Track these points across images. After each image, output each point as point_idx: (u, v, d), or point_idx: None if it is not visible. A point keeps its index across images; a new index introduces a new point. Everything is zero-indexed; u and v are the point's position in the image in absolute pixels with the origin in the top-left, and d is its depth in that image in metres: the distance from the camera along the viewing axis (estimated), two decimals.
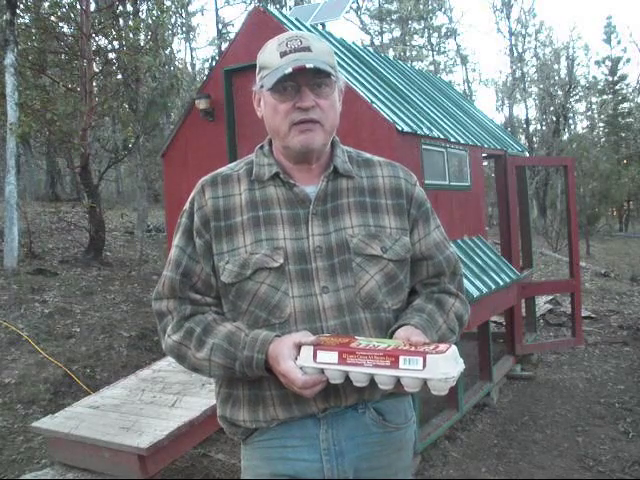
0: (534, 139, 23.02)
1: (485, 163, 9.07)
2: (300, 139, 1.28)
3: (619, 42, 33.13)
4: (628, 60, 31.88)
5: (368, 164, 1.43)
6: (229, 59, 4.91)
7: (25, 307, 6.10)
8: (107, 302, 6.73)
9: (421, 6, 24.77)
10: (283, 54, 1.26)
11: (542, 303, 7.94)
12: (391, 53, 23.20)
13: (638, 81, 35.66)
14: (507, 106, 24.36)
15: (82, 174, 8.72)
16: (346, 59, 4.87)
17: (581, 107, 29.43)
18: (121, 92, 9.39)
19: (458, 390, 4.26)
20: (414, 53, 26.18)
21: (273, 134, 1.35)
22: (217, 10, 23.21)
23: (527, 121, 24.34)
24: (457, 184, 4.93)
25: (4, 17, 7.62)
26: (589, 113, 30.19)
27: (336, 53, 4.63)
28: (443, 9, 26.29)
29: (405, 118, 4.33)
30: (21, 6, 8.54)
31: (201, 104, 4.91)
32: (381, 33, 27.45)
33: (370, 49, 6.57)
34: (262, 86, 1.30)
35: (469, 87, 26.90)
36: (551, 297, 8.20)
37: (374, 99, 4.23)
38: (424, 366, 1.10)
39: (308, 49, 1.26)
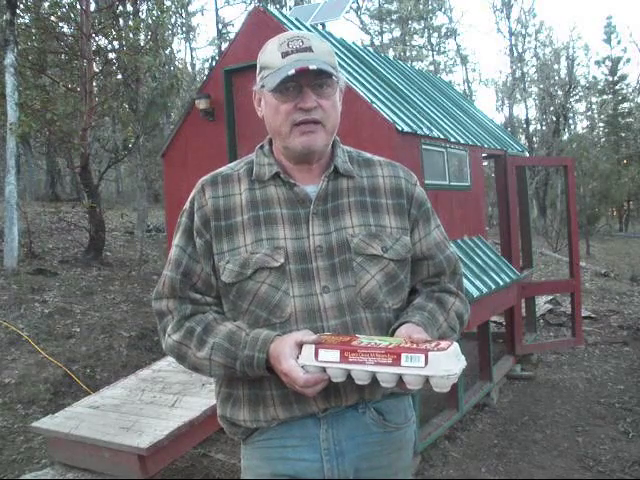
0: (534, 139, 23.02)
1: (485, 163, 9.07)
2: (302, 140, 1.28)
3: (619, 42, 33.12)
4: (628, 60, 31.91)
5: (368, 164, 1.43)
6: (229, 59, 4.91)
7: (25, 307, 6.10)
8: (107, 302, 6.73)
9: (421, 6, 24.77)
10: (285, 54, 1.25)
11: (542, 303, 7.94)
12: (391, 53, 23.21)
13: (638, 81, 35.68)
14: (507, 106, 24.37)
15: (82, 174, 8.72)
16: (346, 59, 4.87)
17: (581, 107, 29.49)
18: (121, 92, 9.38)
19: (458, 390, 4.26)
20: (414, 53, 26.18)
21: (274, 134, 1.35)
22: (217, 10, 23.23)
23: (527, 121, 24.35)
24: (457, 184, 4.93)
25: (4, 17, 7.62)
26: (589, 113, 30.23)
27: (336, 53, 4.62)
28: (443, 9, 26.30)
29: (405, 118, 4.33)
30: (21, 6, 8.54)
31: (201, 104, 4.91)
32: (381, 33, 27.47)
33: (370, 49, 6.57)
34: (263, 86, 1.30)
35: (469, 87, 26.90)
36: (551, 297, 8.20)
37: (374, 99, 4.23)
38: (426, 363, 1.10)
39: (310, 49, 1.26)
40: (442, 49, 28.24)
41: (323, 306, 1.28)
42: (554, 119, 20.71)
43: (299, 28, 4.82)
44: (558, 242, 14.24)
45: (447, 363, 1.11)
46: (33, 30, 8.92)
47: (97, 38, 9.45)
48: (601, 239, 18.48)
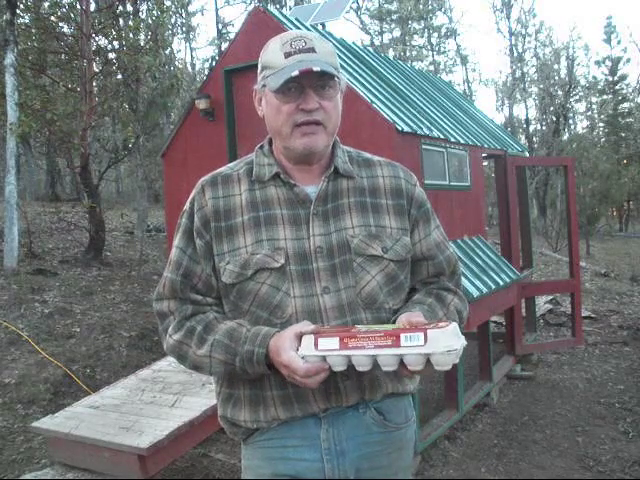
0: (534, 139, 23.02)
1: (485, 163, 9.07)
2: (303, 141, 1.28)
3: (619, 42, 33.08)
4: (628, 60, 31.89)
5: (368, 164, 1.43)
6: (229, 59, 4.91)
7: (25, 307, 6.10)
8: (107, 302, 6.73)
9: (421, 6, 24.77)
10: (287, 55, 1.25)
11: (542, 303, 7.94)
12: (391, 53, 23.21)
13: (638, 81, 35.66)
14: (507, 106, 24.37)
15: (82, 174, 8.72)
16: (346, 59, 4.87)
17: (581, 107, 29.48)
18: (121, 92, 9.38)
19: (458, 390, 4.26)
20: (414, 53, 26.18)
21: (274, 134, 1.35)
22: (217, 10, 23.23)
23: (527, 121, 24.34)
24: (457, 184, 4.93)
25: (4, 17, 7.62)
26: (589, 113, 30.22)
27: (336, 53, 4.62)
28: (443, 9, 26.31)
29: (405, 118, 4.33)
30: (21, 6, 8.54)
31: (201, 104, 4.91)
32: (381, 33, 27.47)
33: (370, 49, 6.57)
34: (264, 85, 1.30)
35: (469, 87, 26.90)
36: (551, 297, 8.20)
37: (374, 99, 4.23)
38: (425, 341, 1.10)
39: (312, 50, 1.26)
40: (442, 49, 28.26)
41: (324, 307, 1.28)
42: (554, 119, 20.70)
43: (299, 28, 4.82)
44: (558, 242, 14.24)
45: (447, 339, 1.10)
46: (33, 30, 8.92)
47: (97, 38, 9.46)
48: (601, 239, 18.48)
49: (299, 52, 1.25)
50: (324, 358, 1.15)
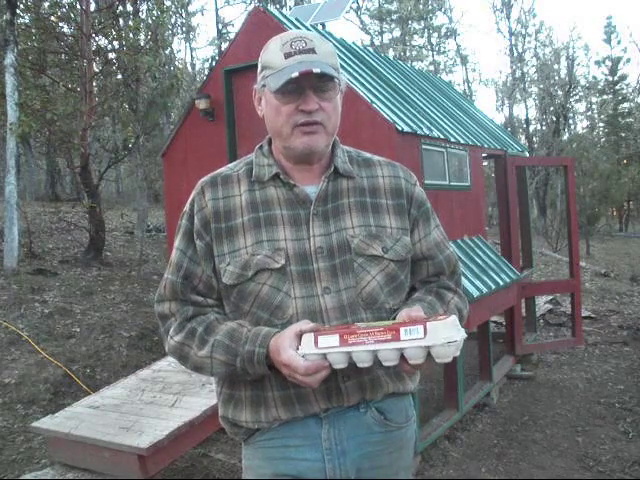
0: (534, 139, 23.02)
1: (485, 163, 9.07)
2: (303, 141, 1.28)
3: (619, 42, 33.07)
4: (628, 60, 31.87)
5: (368, 164, 1.43)
6: (229, 59, 4.91)
7: (25, 307, 6.10)
8: (107, 302, 6.73)
9: (421, 6, 24.77)
10: (288, 55, 1.25)
11: (542, 303, 7.94)
12: (391, 53, 23.20)
13: (638, 81, 35.68)
14: (507, 106, 24.37)
15: (82, 174, 8.72)
16: (346, 59, 4.87)
17: (581, 107, 29.48)
18: (121, 92, 9.38)
19: (458, 390, 4.26)
20: (414, 53, 26.18)
21: (274, 134, 1.35)
22: (217, 10, 23.22)
23: (527, 121, 24.34)
24: (457, 184, 4.93)
25: (4, 17, 7.62)
26: (589, 113, 30.23)
27: (336, 53, 4.62)
28: (443, 9, 26.30)
29: (405, 118, 4.33)
30: (21, 6, 8.54)
31: (201, 104, 4.91)
32: (381, 33, 27.46)
33: (370, 49, 6.57)
34: (264, 85, 1.30)
35: (469, 87, 26.89)
36: (551, 297, 8.21)
37: (374, 99, 4.23)
38: (425, 333, 1.10)
39: (313, 51, 1.25)
40: (442, 49, 28.25)
41: (324, 307, 1.28)
42: (554, 119, 20.71)
43: (299, 28, 4.82)
44: (558, 242, 14.24)
45: (447, 331, 1.10)
46: (33, 30, 8.92)
47: (97, 38, 9.46)
48: (601, 239, 18.46)
49: (299, 53, 1.25)
50: (325, 356, 1.15)
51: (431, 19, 26.35)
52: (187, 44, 26.19)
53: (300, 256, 1.29)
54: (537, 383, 5.38)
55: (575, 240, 5.89)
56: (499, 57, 61.70)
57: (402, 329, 1.12)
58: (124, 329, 5.98)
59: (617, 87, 31.07)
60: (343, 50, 5.09)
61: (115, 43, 10.01)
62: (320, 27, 6.15)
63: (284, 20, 4.76)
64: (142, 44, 9.33)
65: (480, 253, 4.90)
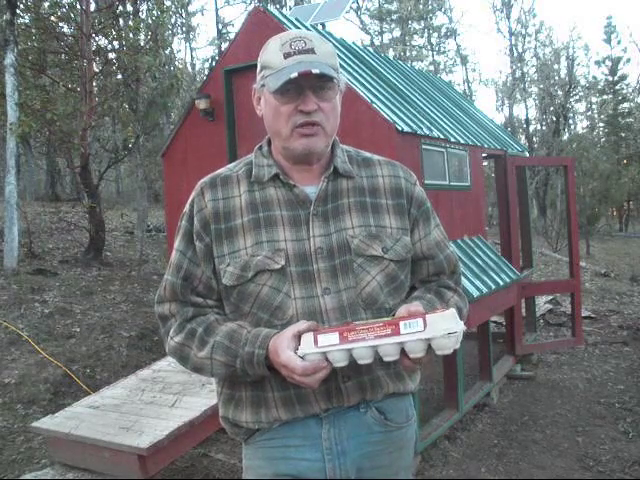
0: (534, 139, 23.00)
1: (485, 163, 9.07)
2: (302, 142, 1.28)
3: (619, 42, 33.10)
4: (628, 60, 31.87)
5: (368, 164, 1.42)
6: (229, 59, 4.91)
7: (25, 307, 6.10)
8: (107, 302, 6.73)
9: (421, 6, 24.77)
10: (287, 55, 1.25)
11: (542, 303, 7.94)
12: (391, 53, 23.20)
13: (638, 81, 35.67)
14: (507, 106, 24.35)
15: (82, 174, 8.72)
16: (346, 59, 4.87)
17: (581, 107, 29.46)
18: (121, 92, 9.37)
19: (458, 390, 4.26)
20: (414, 53, 26.17)
21: (273, 135, 1.34)
22: (217, 10, 23.23)
23: (527, 121, 24.32)
24: (457, 184, 4.93)
25: (4, 17, 7.62)
26: (589, 113, 30.21)
27: (336, 53, 4.62)
28: (443, 9, 26.30)
29: (405, 118, 4.33)
30: (21, 6, 8.54)
31: (201, 104, 4.91)
32: (381, 33, 27.45)
33: (370, 49, 6.57)
34: (263, 85, 1.30)
35: (469, 87, 26.89)
36: (551, 297, 8.21)
37: (374, 99, 4.23)
38: (425, 326, 1.10)
39: (312, 51, 1.25)
40: (442, 49, 28.26)
41: (324, 308, 1.28)
42: (554, 119, 20.69)
43: (299, 28, 4.82)
44: (558, 242, 14.23)
45: (446, 323, 1.11)
46: (33, 30, 8.92)
47: (97, 38, 9.46)
48: (601, 239, 18.47)
49: (299, 53, 1.24)
50: (325, 355, 1.15)
51: (431, 19, 26.35)
52: (187, 44, 26.20)
53: (300, 257, 1.29)
54: (537, 383, 5.37)
55: (575, 240, 5.89)
56: (499, 57, 61.77)
57: (402, 323, 1.12)
58: (124, 329, 5.98)
59: (617, 87, 31.06)
60: (343, 50, 5.09)
61: (115, 43, 10.01)
62: (320, 27, 6.16)
63: (284, 20, 4.76)
64: (142, 44, 9.33)
65: (480, 253, 4.90)
